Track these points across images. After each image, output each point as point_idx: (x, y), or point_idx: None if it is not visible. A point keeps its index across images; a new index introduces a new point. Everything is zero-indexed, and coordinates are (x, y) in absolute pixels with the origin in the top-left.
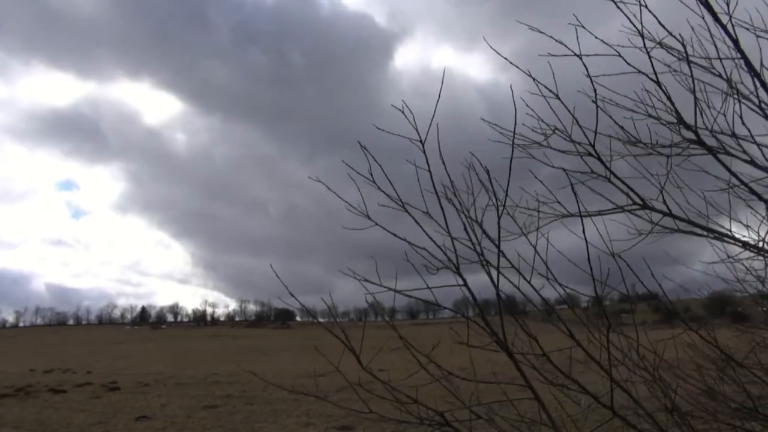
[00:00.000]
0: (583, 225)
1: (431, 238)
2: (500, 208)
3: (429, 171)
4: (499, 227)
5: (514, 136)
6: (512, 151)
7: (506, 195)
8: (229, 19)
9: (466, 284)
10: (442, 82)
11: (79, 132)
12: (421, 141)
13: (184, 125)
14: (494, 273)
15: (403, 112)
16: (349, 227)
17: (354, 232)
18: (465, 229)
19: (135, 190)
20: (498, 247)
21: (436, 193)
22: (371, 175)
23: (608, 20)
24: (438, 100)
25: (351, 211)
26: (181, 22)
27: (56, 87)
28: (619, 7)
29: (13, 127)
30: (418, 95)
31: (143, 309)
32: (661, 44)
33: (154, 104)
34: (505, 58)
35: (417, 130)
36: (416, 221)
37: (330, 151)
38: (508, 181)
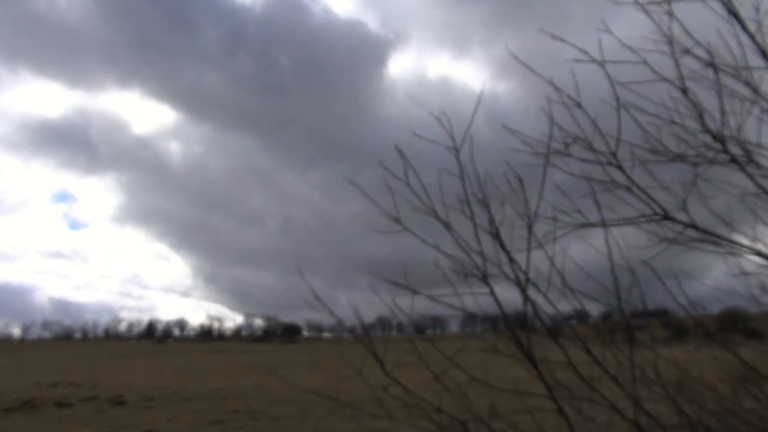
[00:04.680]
0: (609, 234)
1: (463, 248)
2: (529, 224)
3: (463, 180)
4: (529, 242)
5: (549, 146)
6: (546, 160)
7: (537, 208)
8: (219, 27)
9: (493, 293)
10: (477, 105)
11: (72, 143)
12: (456, 149)
13: (177, 134)
14: (516, 287)
15: (440, 121)
16: (375, 233)
17: (353, 245)
18: (497, 235)
19: (132, 201)
20: (527, 263)
21: (468, 204)
22: (408, 184)
23: (603, 22)
24: (472, 120)
25: (359, 222)
26: (171, 29)
27: (46, 96)
28: (650, 17)
29: (4, 138)
30: (416, 104)
31: (150, 324)
32: (688, 51)
33: (145, 113)
34: (550, 82)
35: (453, 138)
36: (449, 230)
37: (326, 161)
38: (541, 193)
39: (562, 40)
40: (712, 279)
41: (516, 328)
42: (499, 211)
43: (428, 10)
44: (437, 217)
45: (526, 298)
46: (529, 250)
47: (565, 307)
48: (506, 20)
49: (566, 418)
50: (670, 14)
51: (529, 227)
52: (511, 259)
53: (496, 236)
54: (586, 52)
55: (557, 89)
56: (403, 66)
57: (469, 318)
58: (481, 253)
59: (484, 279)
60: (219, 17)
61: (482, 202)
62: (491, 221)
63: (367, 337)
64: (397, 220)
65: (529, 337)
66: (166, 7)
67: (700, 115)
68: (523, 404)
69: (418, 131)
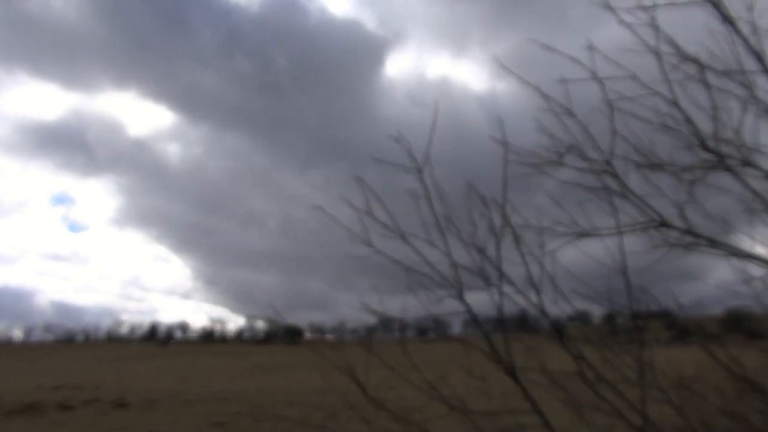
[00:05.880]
0: (608, 241)
1: (434, 267)
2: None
3: (429, 199)
4: (498, 252)
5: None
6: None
7: (508, 223)
8: (215, 27)
9: (470, 310)
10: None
11: (70, 144)
12: (419, 169)
13: (175, 135)
14: (502, 294)
15: (399, 142)
16: (355, 246)
17: (356, 246)
18: (490, 244)
19: (131, 203)
20: (499, 271)
21: (439, 224)
22: (370, 214)
23: (603, 23)
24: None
25: (351, 230)
26: (167, 30)
27: (43, 98)
28: (635, 32)
29: (2, 140)
30: (415, 105)
31: (152, 326)
32: (680, 60)
33: (142, 114)
34: (539, 90)
35: (414, 158)
36: (418, 253)
37: (324, 161)
38: (504, 208)
39: (553, 50)
40: (715, 280)
41: (493, 341)
42: (483, 221)
43: (426, 9)
44: (404, 239)
45: (501, 309)
46: (499, 258)
47: (563, 312)
48: (506, 18)
49: (549, 427)
50: (654, 25)
51: (498, 240)
52: (499, 270)
53: (484, 245)
54: (578, 61)
55: (547, 98)
56: (401, 65)
57: (472, 320)
58: (456, 271)
59: (460, 296)
60: (215, 17)
61: (447, 222)
62: (473, 234)
63: (349, 367)
64: (369, 243)
65: (509, 348)
66: (161, 8)
67: (690, 124)
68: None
69: (418, 131)
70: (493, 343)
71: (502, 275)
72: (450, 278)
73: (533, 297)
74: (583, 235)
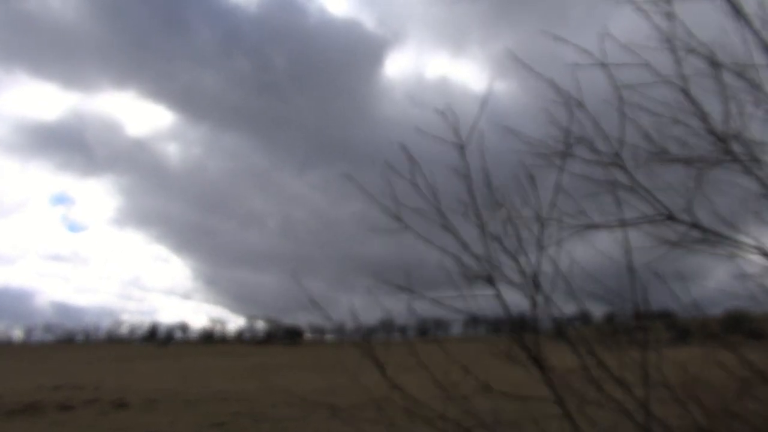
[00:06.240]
0: (615, 235)
1: (469, 249)
2: (541, 225)
3: (469, 178)
4: (540, 243)
5: (552, 147)
6: (551, 160)
7: (544, 210)
8: (214, 27)
9: (499, 295)
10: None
11: (69, 145)
12: (461, 145)
13: (174, 136)
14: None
15: (445, 117)
16: (375, 234)
17: (355, 246)
18: (503, 236)
19: (131, 203)
20: (537, 265)
21: (475, 203)
22: (414, 184)
23: (603, 23)
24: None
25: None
26: (165, 30)
27: (42, 98)
28: (649, 17)
29: (2, 140)
30: (414, 104)
31: (153, 327)
32: (692, 51)
33: (142, 115)
34: (552, 83)
35: (459, 134)
36: (453, 231)
37: (324, 161)
38: (536, 194)
39: (565, 41)
40: (715, 281)
41: (523, 332)
42: (504, 212)
43: (426, 9)
44: (443, 216)
45: (534, 300)
46: (540, 250)
47: (570, 308)
48: (505, 18)
49: (574, 424)
50: (670, 15)
51: (541, 228)
52: (519, 260)
53: (502, 237)
54: (589, 53)
55: (558, 90)
56: (400, 65)
57: (472, 320)
58: (488, 255)
59: (490, 281)
60: (214, 17)
61: (491, 201)
62: (500, 221)
63: (367, 342)
64: (399, 218)
65: (537, 340)
66: (160, 8)
67: (703, 116)
68: (527, 409)
69: (417, 132)
70: (523, 334)
71: (537, 270)
72: (483, 262)
73: (544, 292)
74: (590, 226)
